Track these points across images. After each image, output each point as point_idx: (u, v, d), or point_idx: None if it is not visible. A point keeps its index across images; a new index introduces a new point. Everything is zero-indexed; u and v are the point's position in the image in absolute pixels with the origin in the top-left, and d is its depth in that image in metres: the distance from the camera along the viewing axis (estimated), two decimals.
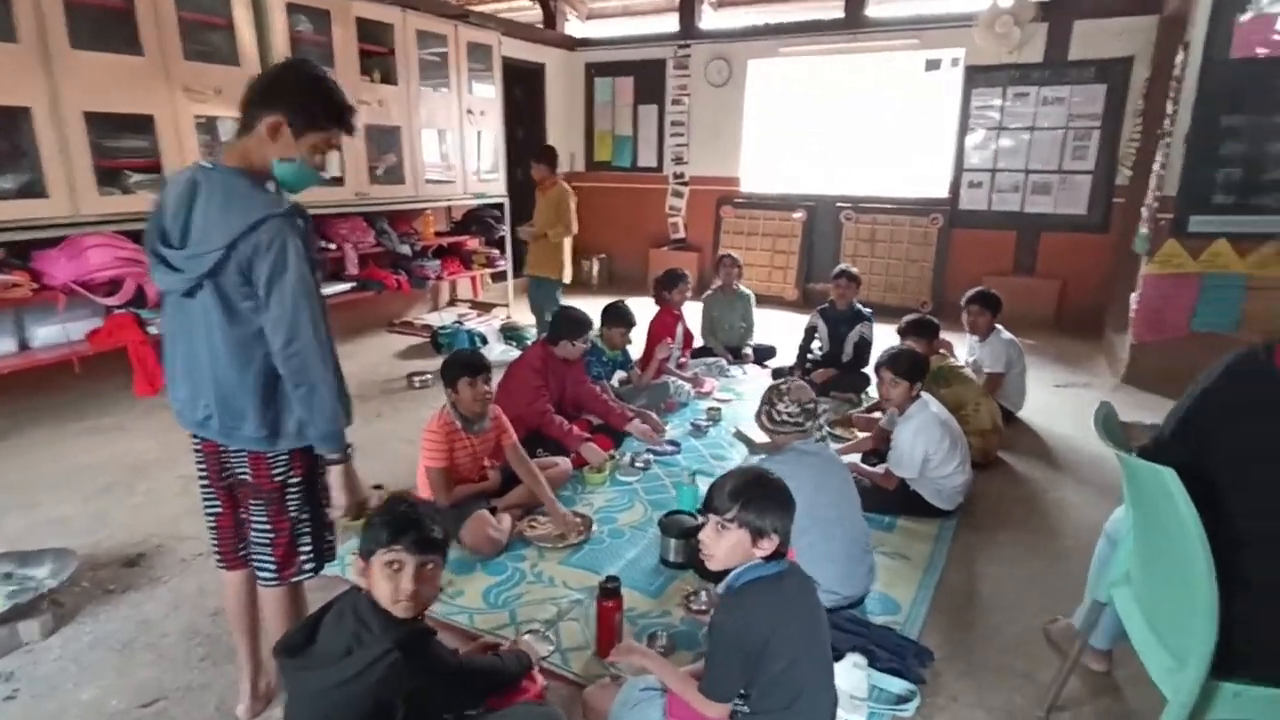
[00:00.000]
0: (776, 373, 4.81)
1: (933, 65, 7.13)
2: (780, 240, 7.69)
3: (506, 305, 6.57)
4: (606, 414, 3.76)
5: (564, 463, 3.29)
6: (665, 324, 4.70)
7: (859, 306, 4.68)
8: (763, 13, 7.76)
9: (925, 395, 3.00)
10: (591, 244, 8.43)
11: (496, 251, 6.49)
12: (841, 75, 7.52)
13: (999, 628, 2.36)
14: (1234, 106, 4.48)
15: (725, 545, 1.59)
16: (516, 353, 5.32)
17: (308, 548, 1.81)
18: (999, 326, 4.14)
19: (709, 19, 7.86)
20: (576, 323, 3.61)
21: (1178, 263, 4.73)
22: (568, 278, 5.32)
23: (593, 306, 4.00)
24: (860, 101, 7.51)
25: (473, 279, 6.84)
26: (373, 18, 5.16)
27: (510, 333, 5.75)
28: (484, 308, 6.76)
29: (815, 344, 4.71)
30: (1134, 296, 4.97)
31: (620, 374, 4.44)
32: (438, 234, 6.18)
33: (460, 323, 5.98)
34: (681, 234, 8.32)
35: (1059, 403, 4.60)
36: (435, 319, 6.28)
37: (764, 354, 5.31)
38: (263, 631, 1.93)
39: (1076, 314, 6.47)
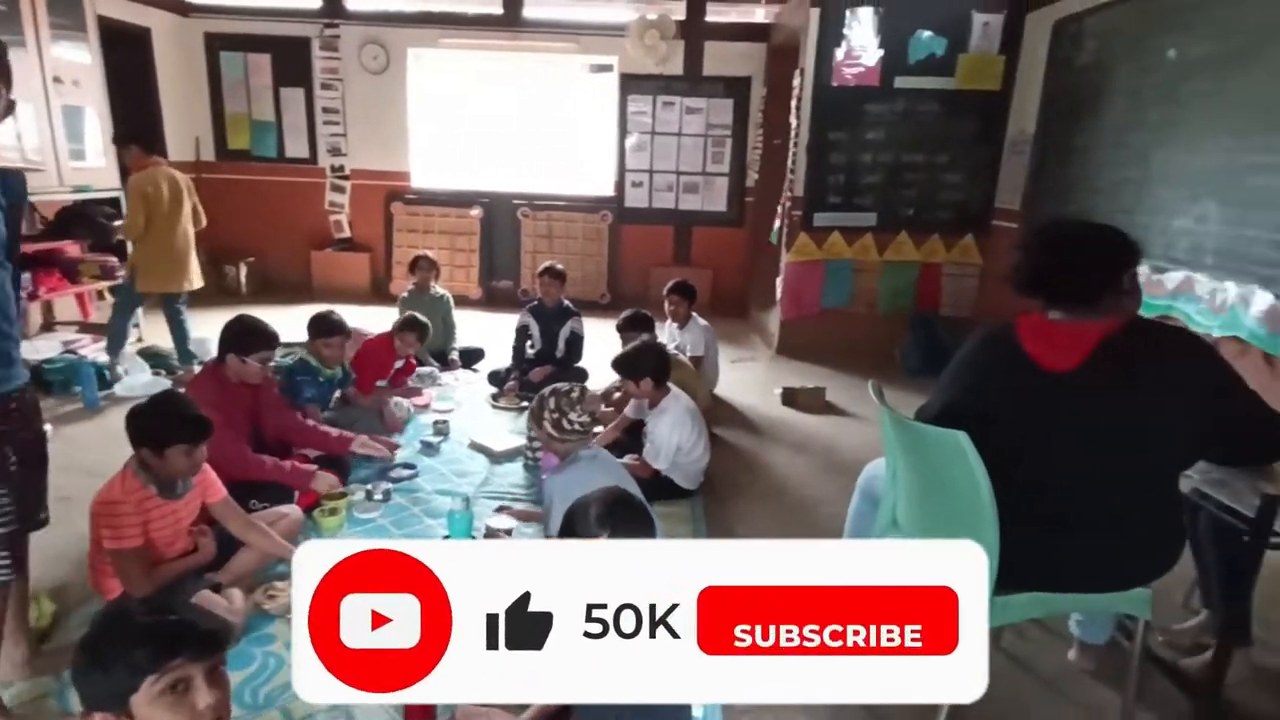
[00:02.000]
0: (493, 376, 4.67)
1: (588, 70, 7.54)
2: (459, 238, 7.46)
3: (137, 325, 5.27)
4: (323, 442, 3.17)
5: (293, 511, 2.73)
6: (376, 352, 4.21)
7: (566, 303, 4.77)
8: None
9: (674, 388, 3.19)
10: (235, 246, 7.22)
11: (114, 260, 5.14)
12: (510, 72, 7.52)
13: None
14: (836, 124, 5.58)
15: None
16: (167, 383, 4.36)
17: None
18: (694, 314, 4.57)
19: None
20: (250, 333, 2.90)
21: (809, 252, 5.75)
22: (146, 286, 4.50)
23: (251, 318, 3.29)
24: (531, 100, 7.61)
25: (80, 295, 5.36)
26: None
27: (156, 360, 4.65)
28: (101, 331, 5.34)
29: (528, 343, 4.68)
30: (779, 281, 5.91)
31: (338, 394, 3.87)
32: (24, 239, 4.68)
33: (73, 352, 4.65)
34: (346, 233, 7.57)
35: (738, 377, 5.27)
36: (29, 351, 4.78)
37: (472, 357, 5.12)
38: None
39: (726, 298, 7.46)
